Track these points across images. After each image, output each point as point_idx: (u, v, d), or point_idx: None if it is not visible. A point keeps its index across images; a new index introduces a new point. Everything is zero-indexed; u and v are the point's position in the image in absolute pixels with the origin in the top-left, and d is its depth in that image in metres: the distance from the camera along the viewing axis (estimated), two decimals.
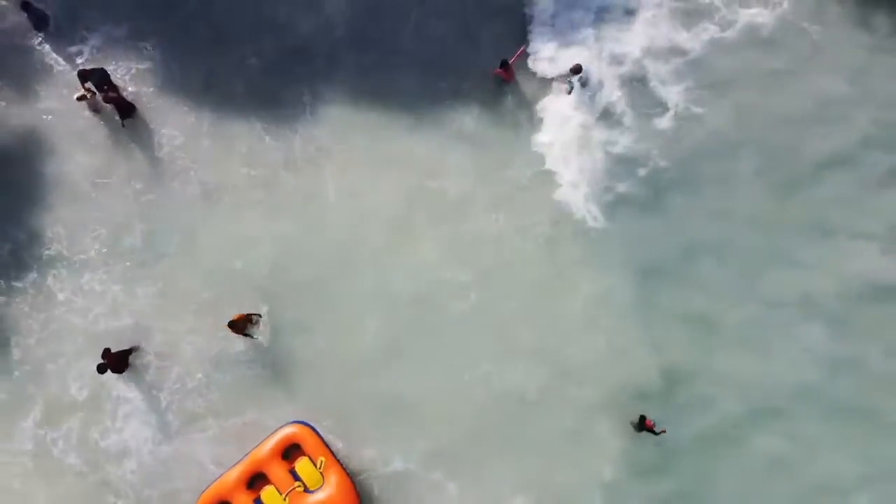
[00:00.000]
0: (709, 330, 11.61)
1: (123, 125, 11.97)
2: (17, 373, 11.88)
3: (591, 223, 11.84)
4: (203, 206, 12.05)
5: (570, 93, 11.99)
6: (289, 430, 10.86)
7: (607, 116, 12.07)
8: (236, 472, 10.72)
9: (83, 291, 11.95)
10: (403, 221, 11.96)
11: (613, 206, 11.87)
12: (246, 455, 10.87)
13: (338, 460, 10.81)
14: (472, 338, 11.64)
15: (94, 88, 11.74)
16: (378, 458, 11.44)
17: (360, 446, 11.43)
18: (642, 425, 11.04)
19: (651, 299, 11.66)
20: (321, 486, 10.58)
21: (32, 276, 11.99)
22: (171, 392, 11.71)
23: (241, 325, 11.08)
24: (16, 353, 11.90)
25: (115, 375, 11.38)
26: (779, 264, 11.70)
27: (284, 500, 10.53)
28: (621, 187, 11.89)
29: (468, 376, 11.58)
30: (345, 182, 12.08)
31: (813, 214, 11.75)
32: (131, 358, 11.55)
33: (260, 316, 11.47)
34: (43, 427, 11.73)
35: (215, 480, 10.85)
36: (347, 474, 10.76)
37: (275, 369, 11.64)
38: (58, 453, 11.69)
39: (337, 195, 12.06)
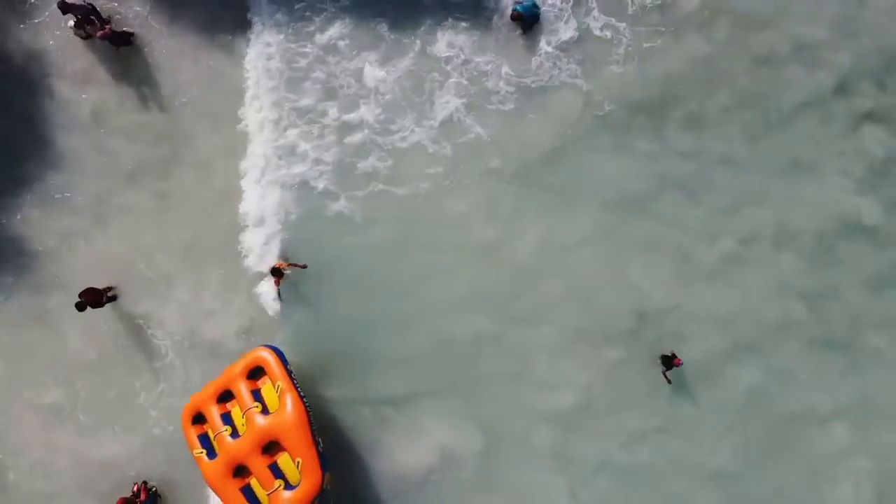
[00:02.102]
0: (683, 265, 11.73)
1: (119, 50, 11.95)
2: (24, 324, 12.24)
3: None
4: (211, 145, 12.10)
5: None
6: (256, 354, 11.07)
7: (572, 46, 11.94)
8: (211, 388, 11.04)
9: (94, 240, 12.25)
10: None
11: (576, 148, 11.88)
12: (221, 372, 11.17)
13: (295, 386, 10.90)
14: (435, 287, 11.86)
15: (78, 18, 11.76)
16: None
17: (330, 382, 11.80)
18: (670, 363, 11.30)
19: (619, 236, 11.77)
20: (277, 409, 10.70)
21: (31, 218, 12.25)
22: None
23: (282, 272, 11.58)
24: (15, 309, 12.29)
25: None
26: (753, 201, 11.77)
27: (242, 416, 10.79)
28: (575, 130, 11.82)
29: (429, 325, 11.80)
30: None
31: (787, 154, 11.79)
32: (110, 294, 11.92)
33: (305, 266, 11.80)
34: None
35: (195, 393, 11.19)
36: (303, 403, 10.82)
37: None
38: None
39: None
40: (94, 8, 11.87)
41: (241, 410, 10.77)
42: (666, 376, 11.41)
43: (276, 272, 11.60)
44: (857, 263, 11.71)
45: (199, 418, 11.04)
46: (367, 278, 11.82)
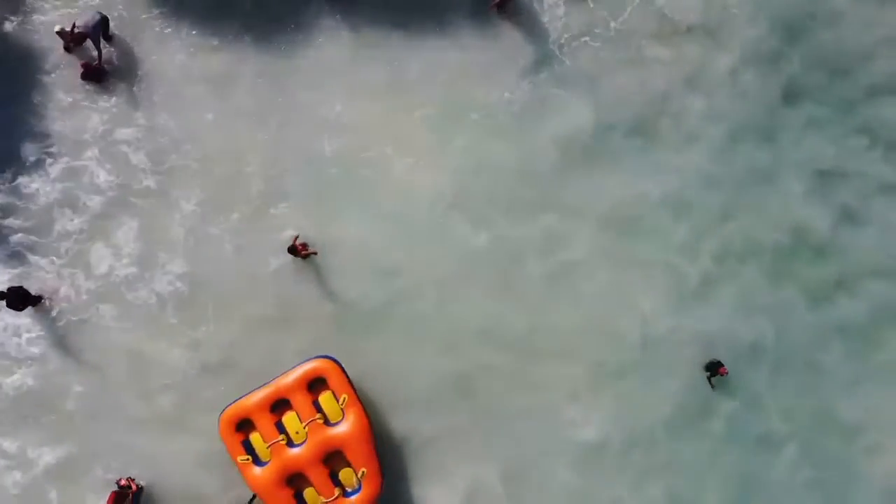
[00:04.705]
0: (678, 286, 11.96)
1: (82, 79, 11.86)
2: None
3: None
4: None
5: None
6: (317, 364, 11.09)
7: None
8: (261, 394, 10.94)
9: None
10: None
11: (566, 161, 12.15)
12: (272, 380, 11.08)
13: (359, 399, 11.07)
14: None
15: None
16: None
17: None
18: (714, 370, 11.44)
19: (619, 259, 11.99)
20: (340, 420, 10.97)
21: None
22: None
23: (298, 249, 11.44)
24: None
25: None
26: (724, 216, 12.20)
27: (304, 427, 10.93)
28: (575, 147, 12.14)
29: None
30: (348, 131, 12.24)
31: (749, 166, 12.23)
32: (44, 300, 11.60)
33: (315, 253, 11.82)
34: None
35: (238, 399, 11.04)
36: (366, 414, 11.06)
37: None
38: None
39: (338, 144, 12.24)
40: (96, 36, 11.43)
41: (302, 421, 10.96)
42: (710, 382, 11.68)
43: (293, 251, 11.41)
44: (807, 275, 12.10)
45: (242, 425, 11.10)
46: (374, 313, 11.91)
